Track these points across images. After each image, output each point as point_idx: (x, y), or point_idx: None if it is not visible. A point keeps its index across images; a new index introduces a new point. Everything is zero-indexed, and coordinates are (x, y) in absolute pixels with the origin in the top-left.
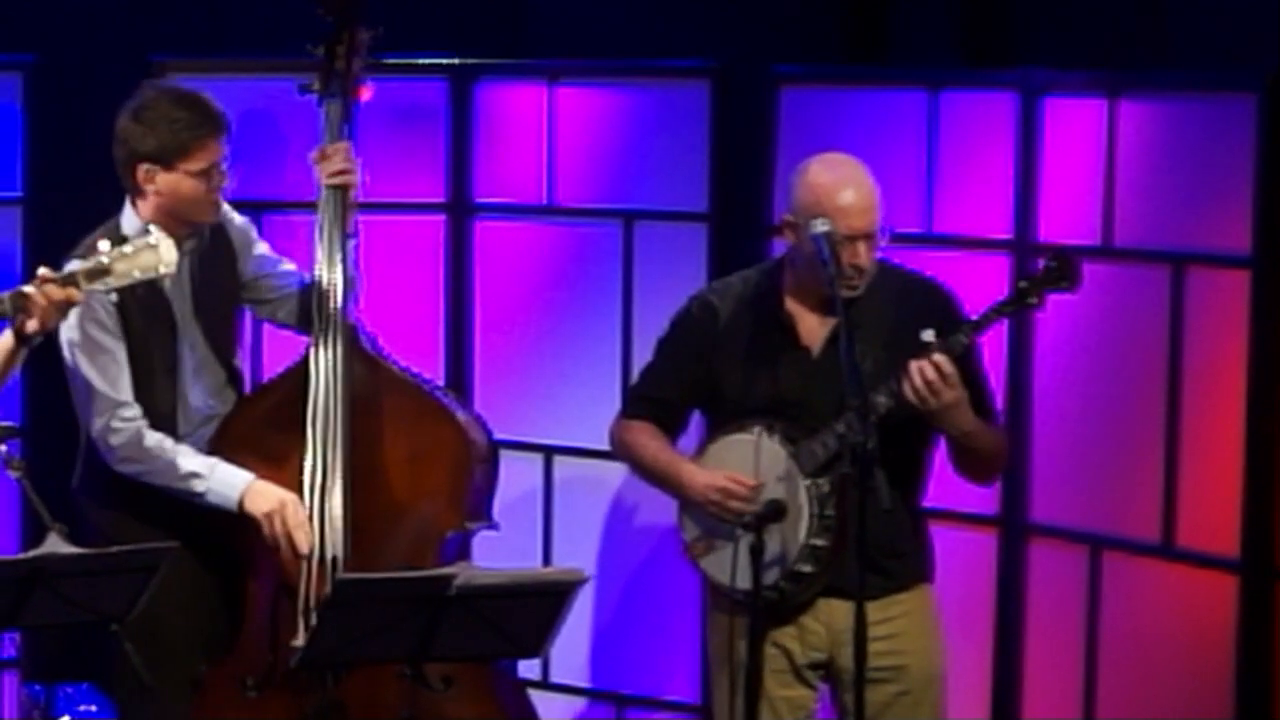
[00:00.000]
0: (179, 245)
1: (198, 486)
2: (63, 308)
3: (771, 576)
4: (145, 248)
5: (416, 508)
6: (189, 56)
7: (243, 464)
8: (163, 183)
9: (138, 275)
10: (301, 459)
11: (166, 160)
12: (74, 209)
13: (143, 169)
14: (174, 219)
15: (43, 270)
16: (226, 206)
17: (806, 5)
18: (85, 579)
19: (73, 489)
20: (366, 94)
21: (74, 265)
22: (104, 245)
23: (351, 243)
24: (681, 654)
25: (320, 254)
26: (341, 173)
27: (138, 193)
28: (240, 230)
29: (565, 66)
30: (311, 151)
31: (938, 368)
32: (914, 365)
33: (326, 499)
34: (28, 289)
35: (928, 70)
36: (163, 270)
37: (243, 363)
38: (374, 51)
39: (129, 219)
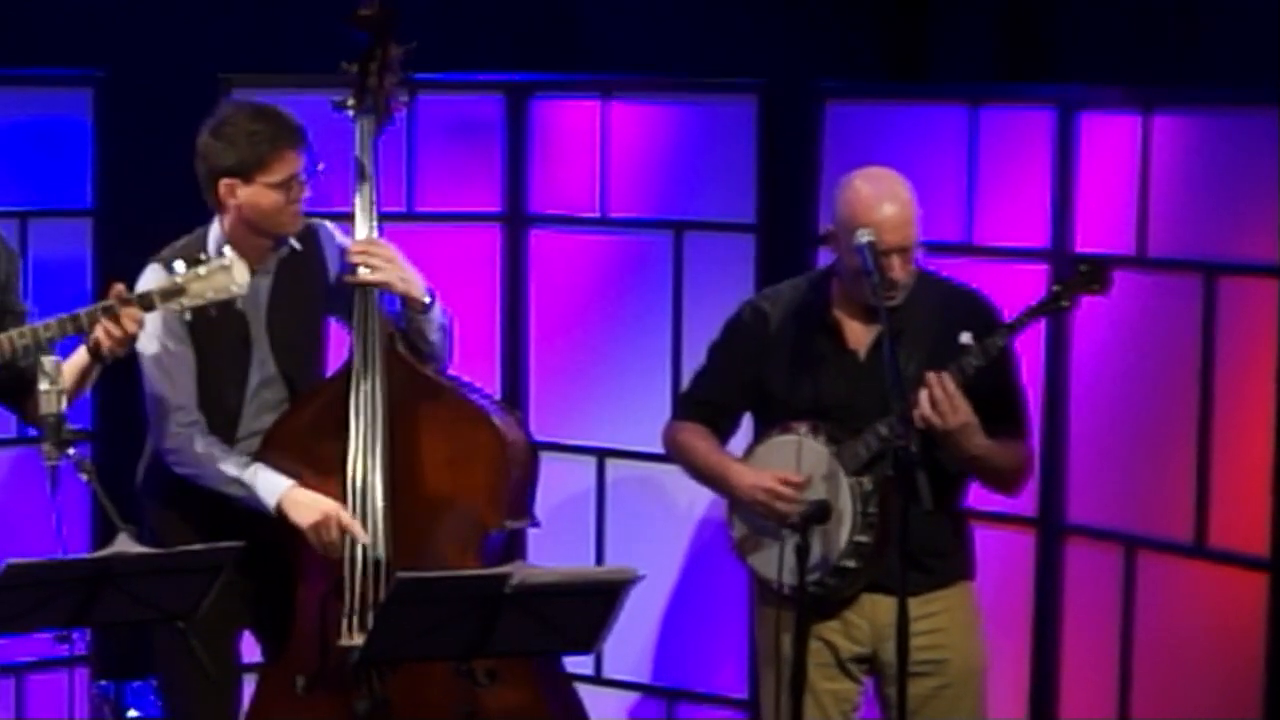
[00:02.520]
0: (261, 261)
1: (239, 492)
2: (135, 327)
3: (816, 572)
4: (219, 269)
5: (457, 508)
6: (251, 71)
7: (289, 467)
8: (243, 196)
9: (211, 296)
10: (345, 463)
11: (246, 173)
12: (142, 220)
13: (224, 184)
14: (256, 232)
15: (118, 287)
16: (335, 228)
17: (851, 24)
18: (153, 578)
19: (136, 486)
20: (400, 108)
21: (149, 283)
22: (179, 266)
23: (429, 315)
24: (730, 649)
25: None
26: (366, 266)
27: (220, 208)
28: (343, 251)
29: (618, 82)
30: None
31: (943, 389)
32: (923, 389)
33: (369, 502)
34: (105, 309)
35: (968, 86)
36: (235, 291)
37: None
38: (421, 67)
39: (215, 234)
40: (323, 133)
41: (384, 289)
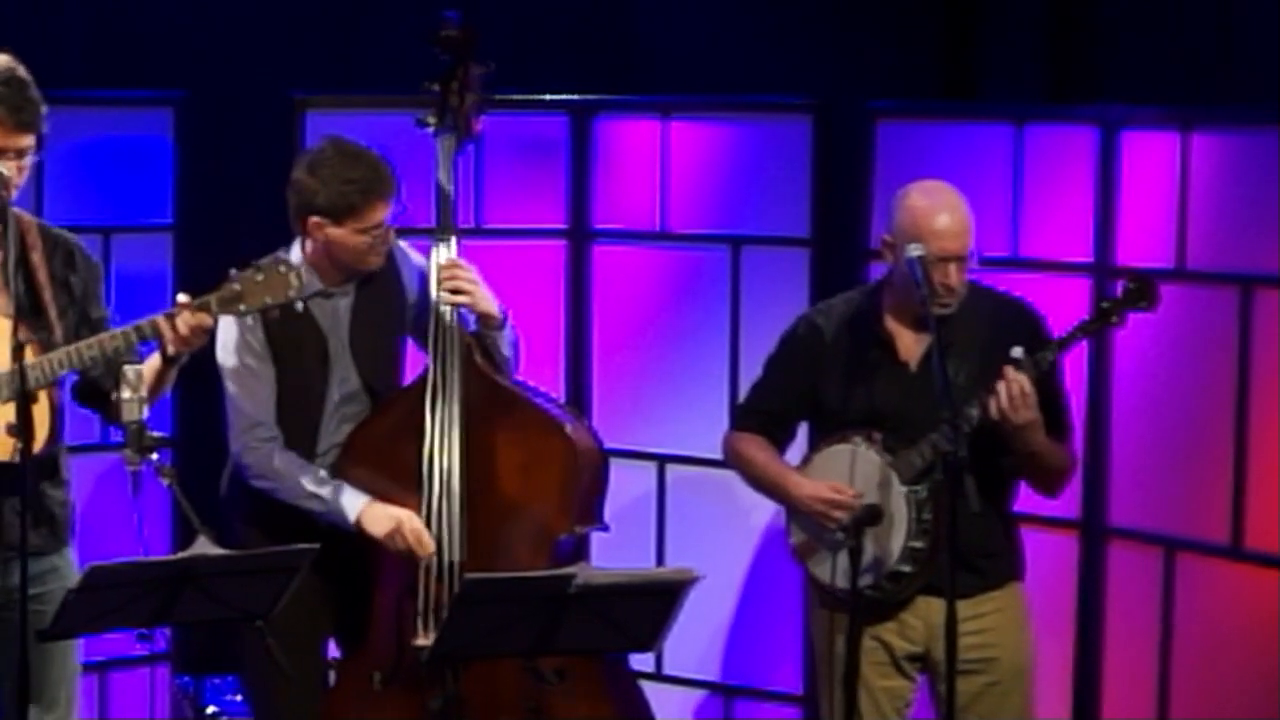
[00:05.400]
0: (340, 284)
1: (317, 507)
2: (199, 332)
3: (873, 576)
4: (275, 275)
5: (529, 513)
6: (325, 93)
7: (368, 473)
8: (331, 235)
9: (269, 301)
10: (422, 469)
11: (336, 217)
12: (220, 235)
13: (313, 220)
14: (337, 266)
15: (181, 297)
16: (409, 247)
17: (902, 45)
18: (231, 579)
19: (220, 500)
20: (479, 127)
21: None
22: (233, 272)
23: (503, 333)
24: (787, 648)
25: (435, 282)
26: (453, 291)
27: (306, 237)
28: (418, 271)
29: (678, 102)
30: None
31: (1020, 386)
32: (1002, 383)
33: (445, 506)
34: (163, 317)
35: (1014, 105)
36: (292, 295)
37: None
38: (491, 88)
39: (296, 256)
40: (396, 150)
41: (468, 309)
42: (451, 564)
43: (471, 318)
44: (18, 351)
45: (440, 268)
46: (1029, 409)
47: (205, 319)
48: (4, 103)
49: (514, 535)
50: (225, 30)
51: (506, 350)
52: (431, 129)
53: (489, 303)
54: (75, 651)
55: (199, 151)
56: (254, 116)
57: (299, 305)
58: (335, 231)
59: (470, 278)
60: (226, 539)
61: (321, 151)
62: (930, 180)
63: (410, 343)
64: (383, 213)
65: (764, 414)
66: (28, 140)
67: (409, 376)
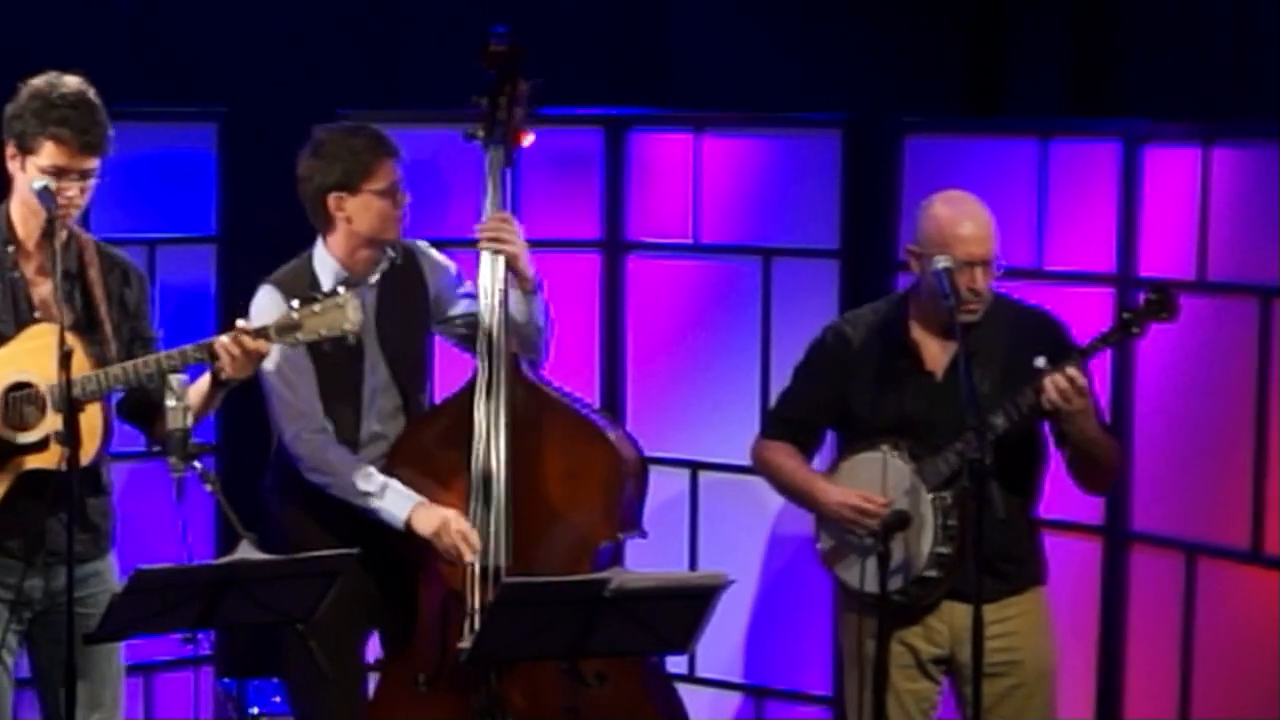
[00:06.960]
0: (367, 273)
1: (370, 504)
2: (256, 357)
3: (900, 581)
4: (333, 307)
5: (573, 520)
6: (368, 108)
7: (415, 478)
8: (352, 207)
9: (324, 333)
10: (468, 475)
11: (352, 184)
12: (263, 246)
13: (332, 198)
14: (365, 244)
15: (240, 322)
16: (428, 246)
17: (929, 61)
18: (274, 583)
19: (261, 488)
20: (526, 140)
21: (262, 302)
22: (294, 304)
23: (536, 299)
24: (816, 651)
25: (483, 291)
26: (494, 240)
27: (328, 225)
28: (439, 267)
29: (710, 117)
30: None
31: (1071, 379)
32: (1049, 378)
33: (491, 512)
34: (223, 339)
35: (1039, 121)
36: (347, 328)
37: (430, 394)
38: (534, 102)
39: (320, 255)
40: (438, 164)
41: (512, 260)
42: (498, 568)
43: (545, 353)
44: (64, 360)
45: (486, 221)
46: (1081, 396)
47: (264, 345)
48: (71, 125)
49: (558, 540)
50: (268, 45)
51: (540, 320)
52: (480, 142)
53: (527, 264)
54: (119, 654)
55: (242, 165)
56: (297, 131)
57: (350, 339)
58: (354, 202)
59: (516, 230)
60: (266, 530)
61: (318, 136)
62: (953, 190)
63: (439, 341)
64: (393, 172)
65: (792, 422)
66: (92, 163)
67: (443, 379)
